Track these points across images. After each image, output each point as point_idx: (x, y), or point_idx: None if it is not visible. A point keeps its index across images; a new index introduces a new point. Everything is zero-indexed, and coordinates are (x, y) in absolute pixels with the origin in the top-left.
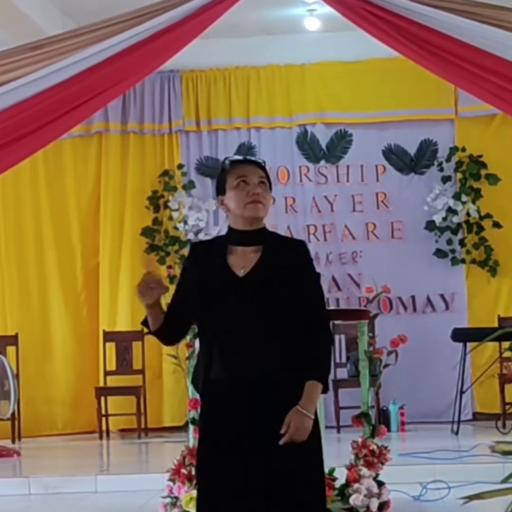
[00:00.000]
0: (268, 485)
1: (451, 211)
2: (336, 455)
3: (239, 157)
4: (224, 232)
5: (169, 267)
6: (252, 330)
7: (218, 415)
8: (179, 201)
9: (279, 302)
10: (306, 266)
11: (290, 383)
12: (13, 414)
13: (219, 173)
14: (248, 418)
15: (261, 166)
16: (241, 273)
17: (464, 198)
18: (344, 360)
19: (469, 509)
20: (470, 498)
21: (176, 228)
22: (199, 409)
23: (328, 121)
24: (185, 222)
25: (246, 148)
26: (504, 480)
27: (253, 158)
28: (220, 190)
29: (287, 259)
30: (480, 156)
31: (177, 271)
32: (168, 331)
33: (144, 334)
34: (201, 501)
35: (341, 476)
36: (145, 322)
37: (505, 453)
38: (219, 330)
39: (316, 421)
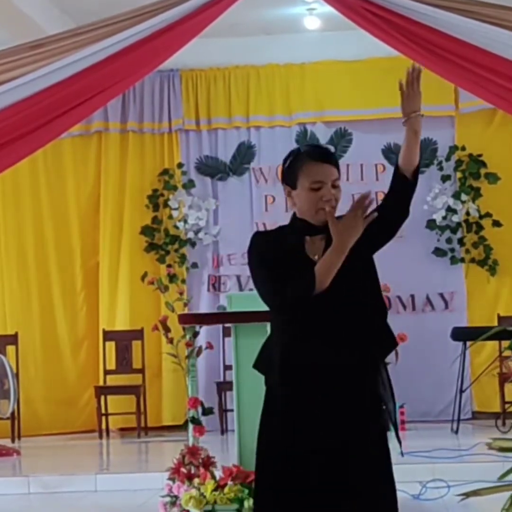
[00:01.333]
0: (343, 479)
1: (450, 210)
2: None
3: (315, 150)
4: (223, 231)
5: (169, 265)
6: (339, 316)
7: (299, 400)
8: (179, 200)
9: (358, 277)
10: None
11: (371, 366)
12: (12, 413)
13: (291, 161)
14: (332, 404)
15: (335, 163)
16: (315, 259)
17: (463, 197)
18: None
19: (469, 508)
20: (468, 494)
21: (176, 227)
22: (265, 396)
23: (328, 120)
24: (185, 221)
25: (245, 147)
26: (502, 477)
27: (329, 150)
28: (289, 182)
29: None
30: (480, 155)
31: (177, 270)
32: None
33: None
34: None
35: None
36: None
37: (502, 449)
38: (304, 317)
39: (384, 435)
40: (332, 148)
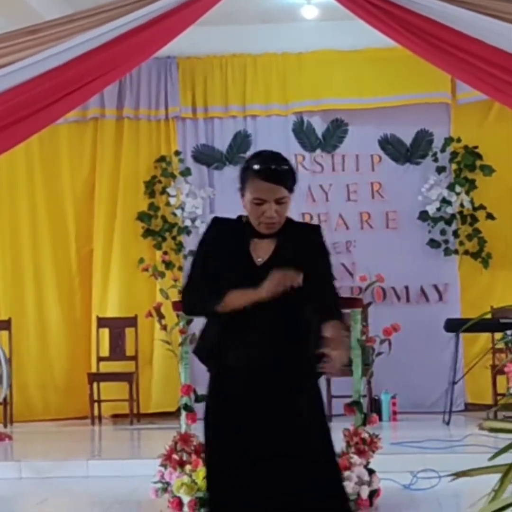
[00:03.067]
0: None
1: (445, 201)
2: None
3: (263, 170)
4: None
5: (165, 253)
6: (268, 323)
7: (230, 400)
8: (177, 187)
9: (293, 290)
10: (318, 249)
11: (301, 369)
12: (5, 398)
13: (244, 168)
14: (262, 404)
15: (285, 183)
16: (258, 261)
17: (458, 189)
18: None
19: (459, 497)
20: (457, 475)
21: (173, 214)
22: (208, 389)
23: (324, 108)
24: (183, 209)
25: (242, 137)
26: (493, 457)
27: (277, 171)
28: (241, 187)
29: (301, 245)
30: (476, 147)
31: (174, 257)
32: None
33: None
34: (214, 478)
35: None
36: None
37: (493, 430)
38: (234, 319)
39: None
40: (287, 164)
